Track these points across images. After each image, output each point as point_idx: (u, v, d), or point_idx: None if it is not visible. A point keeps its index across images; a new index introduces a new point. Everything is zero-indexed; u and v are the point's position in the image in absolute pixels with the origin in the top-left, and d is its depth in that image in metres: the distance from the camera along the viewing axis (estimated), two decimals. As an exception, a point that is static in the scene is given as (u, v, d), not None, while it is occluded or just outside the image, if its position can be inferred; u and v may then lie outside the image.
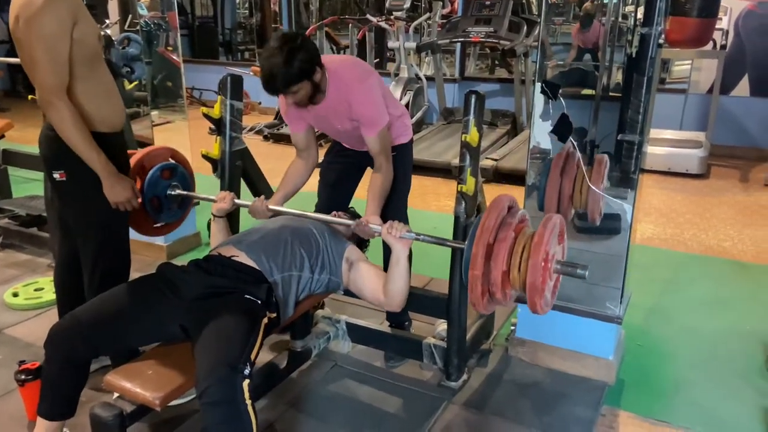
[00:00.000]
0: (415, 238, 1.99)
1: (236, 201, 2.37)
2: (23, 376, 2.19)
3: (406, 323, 2.79)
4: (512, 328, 2.71)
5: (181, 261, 2.14)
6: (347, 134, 2.45)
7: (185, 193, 2.54)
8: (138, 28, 3.96)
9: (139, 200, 2.29)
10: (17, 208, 3.99)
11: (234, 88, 2.66)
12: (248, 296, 1.92)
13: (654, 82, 2.31)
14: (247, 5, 11.34)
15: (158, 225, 2.59)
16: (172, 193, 2.52)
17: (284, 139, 6.62)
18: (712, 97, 5.71)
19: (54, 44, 1.94)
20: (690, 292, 3.33)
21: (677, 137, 5.79)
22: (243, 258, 2.02)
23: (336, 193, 2.64)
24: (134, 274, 2.21)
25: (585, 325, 2.48)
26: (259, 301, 1.92)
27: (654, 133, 5.81)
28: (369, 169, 2.61)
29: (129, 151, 2.39)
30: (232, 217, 2.53)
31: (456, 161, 2.12)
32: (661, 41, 2.26)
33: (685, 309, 3.13)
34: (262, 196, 2.41)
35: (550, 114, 2.34)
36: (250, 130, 7.05)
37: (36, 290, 3.19)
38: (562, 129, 2.27)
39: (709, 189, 5.16)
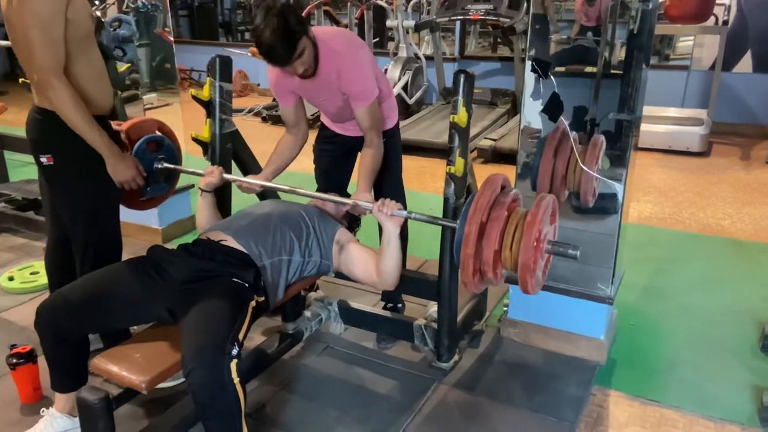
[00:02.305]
0: (407, 216, 1.99)
1: (225, 176, 2.36)
2: (14, 360, 2.22)
3: (399, 305, 2.79)
4: (505, 309, 2.70)
5: (177, 244, 2.15)
6: (338, 110, 2.42)
7: (172, 166, 2.50)
8: (135, 8, 3.93)
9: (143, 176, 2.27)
10: (14, 192, 3.99)
11: (223, 69, 2.63)
12: (236, 279, 1.92)
13: (647, 58, 2.27)
14: (246, -15, 11.24)
15: (145, 198, 2.55)
16: (159, 166, 2.47)
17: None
18: (714, 73, 5.64)
19: (49, 24, 1.91)
20: (686, 270, 3.31)
21: (678, 115, 5.74)
22: (231, 242, 2.02)
23: (331, 178, 2.64)
24: (128, 258, 2.20)
25: (577, 306, 2.47)
26: (247, 284, 1.92)
27: (655, 110, 5.77)
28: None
29: (115, 125, 2.35)
30: (223, 197, 2.53)
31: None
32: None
33: (680, 288, 3.12)
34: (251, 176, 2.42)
35: (541, 93, 2.31)
36: (249, 111, 7.02)
37: (31, 274, 3.20)
38: (552, 108, 2.24)
39: (710, 167, 5.12)
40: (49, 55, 1.91)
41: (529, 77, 2.31)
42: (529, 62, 2.28)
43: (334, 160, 2.61)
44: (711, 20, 5.34)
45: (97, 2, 3.53)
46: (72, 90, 1.96)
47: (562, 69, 2.43)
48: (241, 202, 2.57)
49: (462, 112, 2.15)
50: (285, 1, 2.09)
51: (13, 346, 2.26)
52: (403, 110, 6.23)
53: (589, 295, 2.44)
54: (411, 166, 4.81)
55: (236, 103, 7.56)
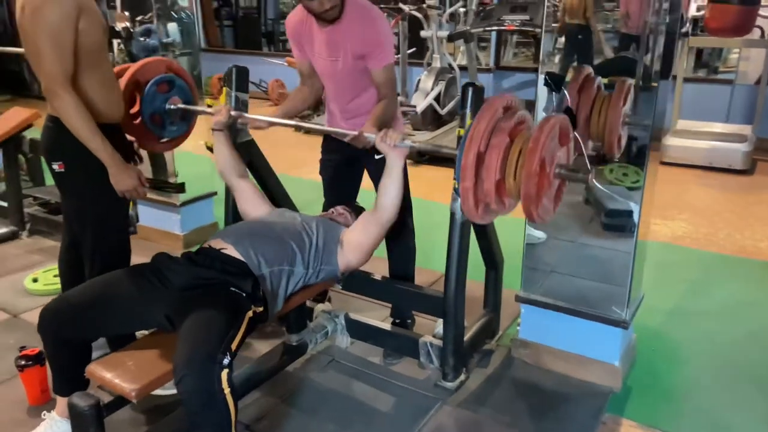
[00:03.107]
0: (411, 146, 2.00)
1: (233, 113, 2.37)
2: (23, 362, 2.27)
3: (409, 321, 2.75)
4: (518, 328, 2.62)
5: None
6: (346, 76, 2.39)
7: (183, 106, 2.49)
8: (178, 18, 4.02)
9: (146, 188, 2.30)
10: (47, 196, 4.10)
11: (239, 79, 2.64)
12: (233, 288, 1.91)
13: (674, 72, 2.17)
14: (289, -5, 11.39)
15: (164, 141, 2.55)
16: (171, 107, 2.47)
17: (313, 132, 6.63)
18: (759, 88, 5.41)
19: (58, 34, 1.96)
20: (716, 294, 3.16)
21: (720, 130, 5.52)
22: (231, 251, 2.01)
23: (337, 189, 2.63)
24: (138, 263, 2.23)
25: (590, 329, 2.38)
26: (244, 294, 1.91)
27: (697, 125, 5.58)
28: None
29: (123, 67, 2.41)
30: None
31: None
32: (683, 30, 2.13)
33: (707, 312, 2.97)
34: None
35: (554, 106, 2.24)
36: (283, 119, 7.08)
37: (55, 276, 3.26)
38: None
39: (752, 186, 4.90)
40: (57, 65, 1.95)
41: (542, 91, 2.24)
42: (542, 75, 2.21)
43: (338, 169, 2.60)
44: (756, 33, 5.14)
45: (126, 13, 3.61)
46: (77, 99, 1.99)
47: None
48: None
49: (469, 125, 2.10)
50: None
51: (22, 348, 2.31)
52: (435, 120, 6.18)
53: (604, 318, 2.34)
54: (437, 176, 4.75)
55: (272, 111, 7.68)
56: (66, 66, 1.98)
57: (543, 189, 1.64)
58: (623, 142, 2.20)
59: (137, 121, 2.45)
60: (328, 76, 2.44)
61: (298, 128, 2.28)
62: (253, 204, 2.35)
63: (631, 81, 2.17)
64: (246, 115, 2.41)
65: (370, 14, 2.29)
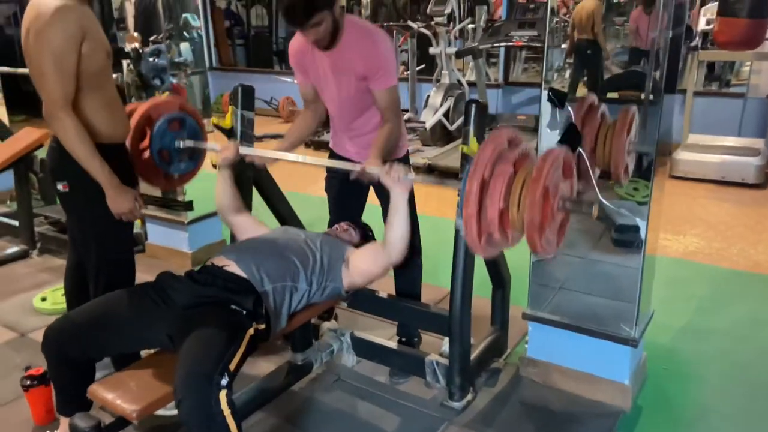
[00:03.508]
0: (415, 180, 1.99)
1: (241, 150, 2.36)
2: (28, 382, 2.26)
3: (415, 339, 2.72)
4: (526, 346, 2.59)
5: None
6: (348, 96, 2.38)
7: (192, 143, 2.51)
8: (191, 38, 4.07)
9: (141, 210, 2.31)
10: (58, 215, 4.13)
11: (245, 98, 2.66)
12: (234, 306, 1.90)
13: (685, 86, 2.15)
14: (300, 14, 11.48)
15: (175, 177, 2.59)
16: (180, 144, 2.50)
17: (324, 146, 6.65)
18: (771, 101, 5.37)
19: (61, 57, 1.97)
20: (729, 311, 3.10)
21: (733, 144, 5.47)
22: (233, 268, 2.00)
23: (343, 206, 2.62)
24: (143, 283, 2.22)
25: (599, 347, 2.34)
26: (245, 312, 1.90)
27: (708, 139, 5.53)
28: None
29: (134, 105, 2.45)
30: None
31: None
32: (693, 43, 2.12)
33: (720, 329, 2.92)
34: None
35: (558, 122, 2.22)
36: (294, 137, 7.11)
37: (63, 295, 3.27)
38: (570, 138, 2.15)
39: (765, 200, 4.83)
40: (59, 88, 1.97)
41: (545, 107, 2.23)
42: (545, 91, 2.20)
43: (343, 187, 2.59)
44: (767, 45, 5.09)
45: (137, 34, 3.65)
46: (77, 122, 2.01)
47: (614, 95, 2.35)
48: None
49: (473, 142, 2.09)
50: None
51: (28, 368, 2.31)
52: (444, 136, 6.19)
53: (612, 336, 2.30)
54: (446, 192, 4.74)
55: (283, 128, 7.74)
56: (67, 89, 1.99)
57: (546, 218, 1.64)
58: (630, 168, 2.19)
59: (146, 155, 2.47)
60: (332, 98, 2.43)
61: (304, 158, 2.28)
62: (252, 234, 2.33)
63: (634, 109, 2.17)
64: (252, 152, 2.40)
65: (371, 36, 2.27)
